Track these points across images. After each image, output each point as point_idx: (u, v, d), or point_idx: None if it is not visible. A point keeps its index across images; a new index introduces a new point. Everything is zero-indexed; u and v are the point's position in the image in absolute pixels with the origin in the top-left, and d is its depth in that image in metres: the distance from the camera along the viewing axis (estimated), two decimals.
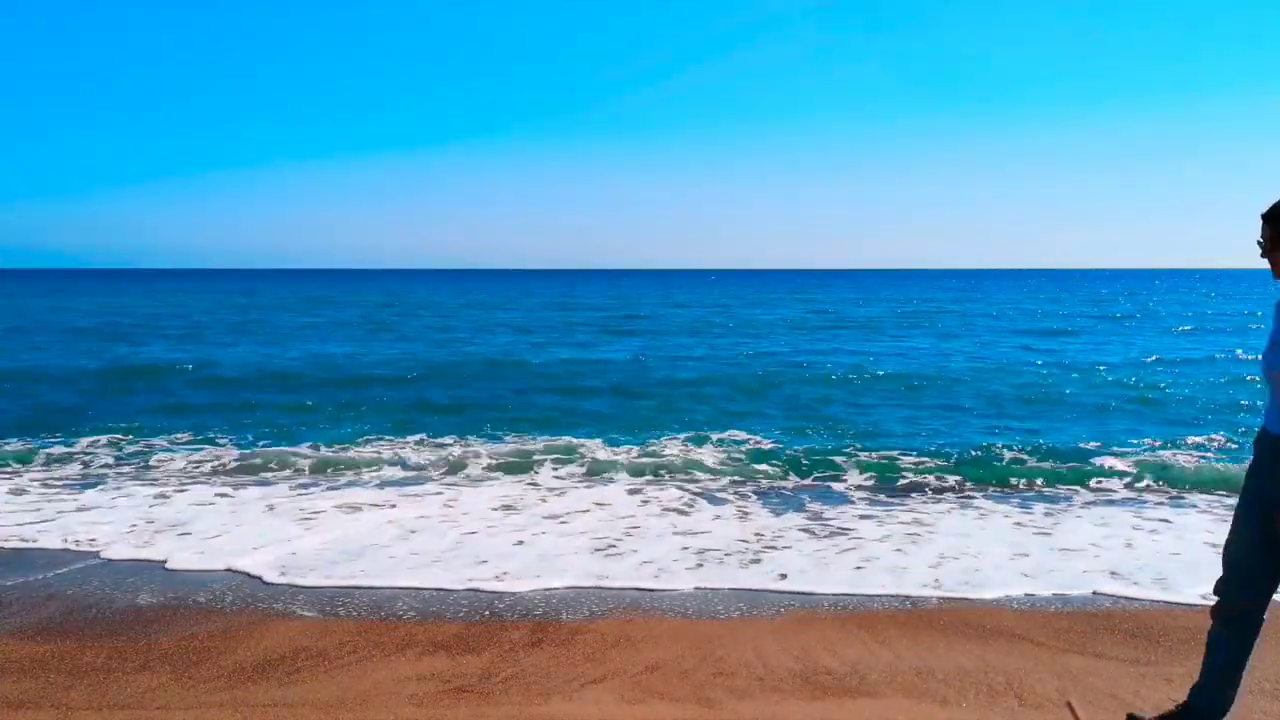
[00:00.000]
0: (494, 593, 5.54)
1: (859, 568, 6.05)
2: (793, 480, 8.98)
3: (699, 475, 9.13)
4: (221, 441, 10.98)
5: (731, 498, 8.24)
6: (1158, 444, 10.60)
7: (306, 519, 7.39)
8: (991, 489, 8.58)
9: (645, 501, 8.05)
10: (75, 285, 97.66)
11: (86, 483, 8.81)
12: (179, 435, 11.38)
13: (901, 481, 8.88)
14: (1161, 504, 7.96)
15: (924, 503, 8.04)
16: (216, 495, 8.25)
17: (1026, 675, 4.15)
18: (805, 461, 9.59)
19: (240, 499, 8.11)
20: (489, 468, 9.51)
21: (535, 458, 9.87)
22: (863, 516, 7.47)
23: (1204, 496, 8.16)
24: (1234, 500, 3.22)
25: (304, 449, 10.41)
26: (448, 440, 10.94)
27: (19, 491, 8.35)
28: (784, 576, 5.84)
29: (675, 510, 7.73)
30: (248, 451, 10.31)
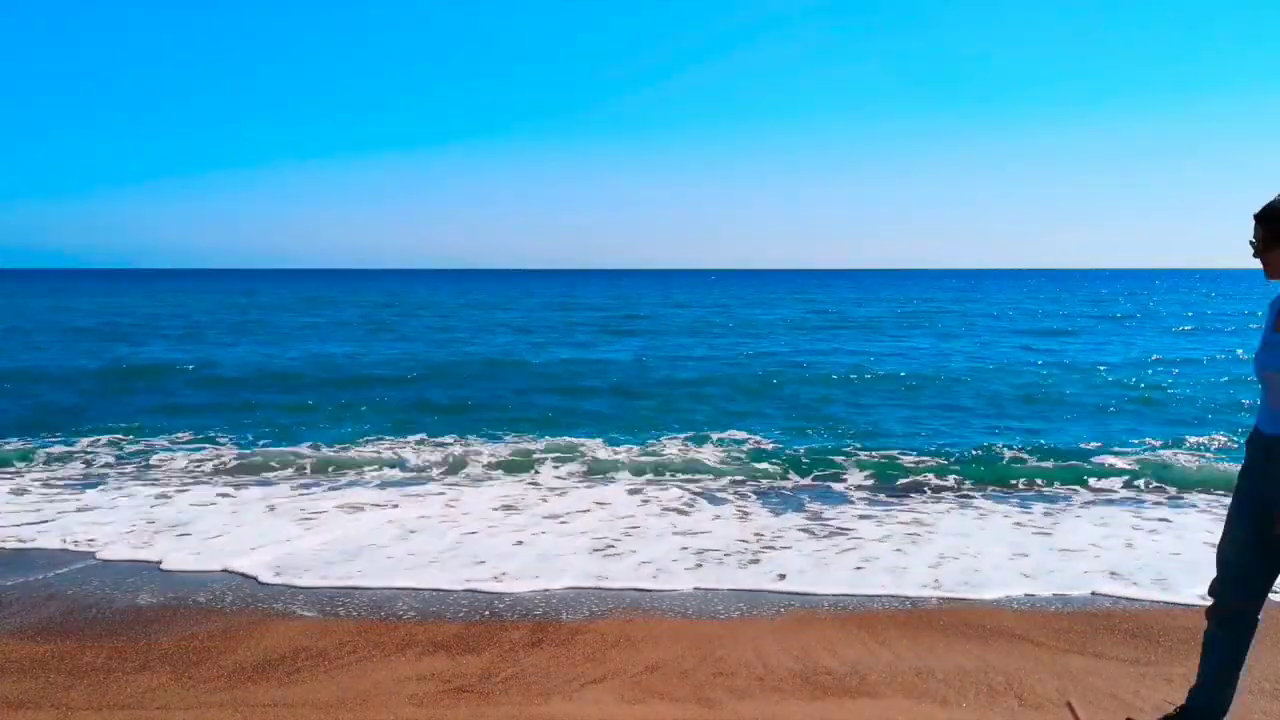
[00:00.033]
0: (494, 593, 5.54)
1: (859, 568, 6.05)
2: (792, 480, 8.98)
3: (699, 475, 9.14)
4: (222, 441, 10.98)
5: (731, 497, 8.25)
6: (1158, 444, 10.60)
7: (307, 519, 7.39)
8: (991, 489, 8.58)
9: (645, 501, 8.05)
10: (75, 285, 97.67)
11: (87, 483, 8.81)
12: (179, 435, 11.39)
13: (901, 481, 8.88)
14: (1161, 504, 7.97)
15: (924, 503, 8.04)
16: (218, 495, 8.25)
17: (1026, 675, 4.15)
18: (805, 461, 9.60)
19: (241, 499, 8.11)
20: (489, 467, 9.51)
21: (535, 457, 9.87)
22: (862, 516, 7.47)
23: (1204, 496, 8.17)
24: None
25: (304, 449, 10.41)
26: (448, 440, 10.94)
27: (19, 491, 8.35)
28: (784, 577, 5.84)
29: (675, 510, 7.73)
30: (248, 451, 10.32)
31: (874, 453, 10.12)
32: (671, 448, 10.48)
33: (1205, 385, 16.11)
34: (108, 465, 9.65)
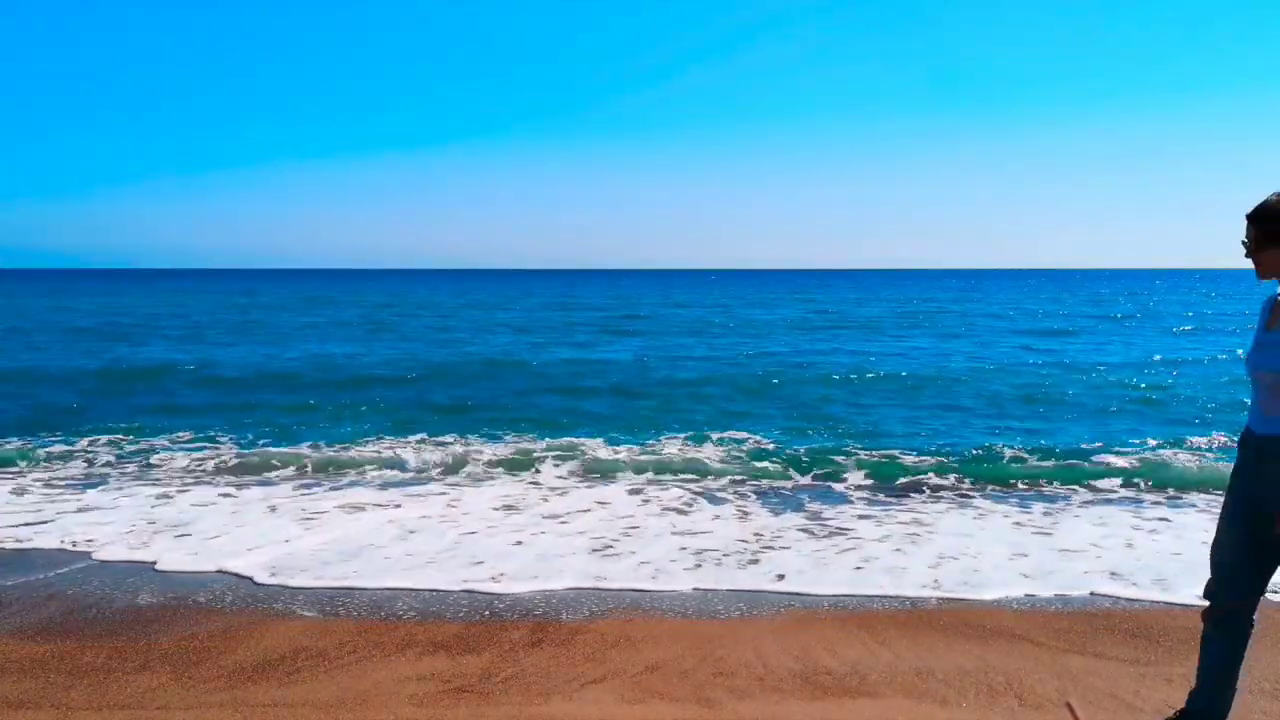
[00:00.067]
0: (494, 593, 5.54)
1: (859, 568, 6.05)
2: (792, 480, 8.98)
3: (699, 475, 9.13)
4: (222, 441, 10.99)
5: (731, 497, 8.25)
6: (1158, 444, 10.60)
7: (308, 519, 7.39)
8: (991, 489, 8.58)
9: (646, 501, 8.05)
10: (75, 285, 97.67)
11: (87, 483, 8.81)
12: (180, 435, 11.39)
13: (901, 481, 8.88)
14: (1161, 504, 7.96)
15: (924, 502, 8.04)
16: (219, 495, 8.25)
17: (1026, 675, 4.15)
18: (805, 461, 9.59)
19: (242, 499, 8.11)
20: (490, 467, 9.51)
21: (536, 458, 9.88)
22: (862, 516, 7.47)
23: (1204, 496, 8.16)
24: None
25: (305, 449, 10.42)
26: (448, 440, 10.94)
27: (19, 491, 8.36)
28: (783, 577, 5.84)
29: (675, 510, 7.73)
30: (249, 451, 10.32)
31: (874, 453, 10.12)
32: (671, 448, 10.48)
33: (1205, 385, 16.12)
34: (108, 465, 9.66)
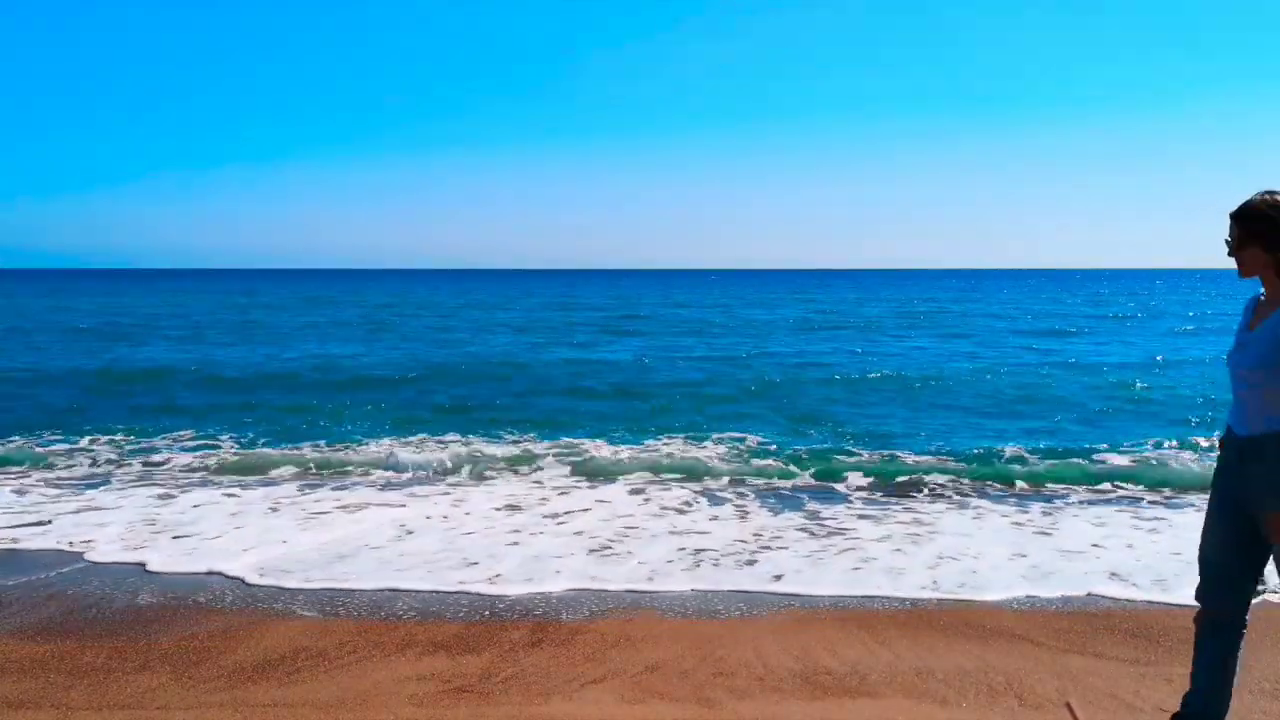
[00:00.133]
0: (494, 593, 5.53)
1: (858, 568, 6.05)
2: (792, 480, 8.97)
3: (698, 475, 9.13)
4: (223, 442, 10.99)
5: (731, 497, 8.25)
6: (1158, 444, 10.61)
7: (308, 519, 7.40)
8: (991, 489, 8.58)
9: (646, 500, 8.06)
10: (75, 285, 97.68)
11: (87, 483, 8.81)
12: (181, 435, 11.39)
13: (901, 481, 8.88)
14: (1161, 504, 7.97)
15: (923, 502, 8.05)
16: (222, 496, 8.26)
17: (1026, 675, 4.16)
18: (805, 461, 9.59)
19: (243, 499, 8.12)
20: (490, 468, 9.51)
21: (536, 458, 9.88)
22: (862, 516, 7.47)
23: (1203, 497, 8.11)
24: None
25: (306, 449, 10.42)
26: (449, 440, 10.94)
27: (19, 491, 8.36)
28: (782, 577, 5.85)
29: (675, 510, 7.73)
30: (250, 452, 10.32)
31: (874, 453, 10.12)
32: (671, 448, 10.48)
33: (1205, 385, 16.11)
34: (108, 466, 9.65)
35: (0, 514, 7.50)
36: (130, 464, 9.72)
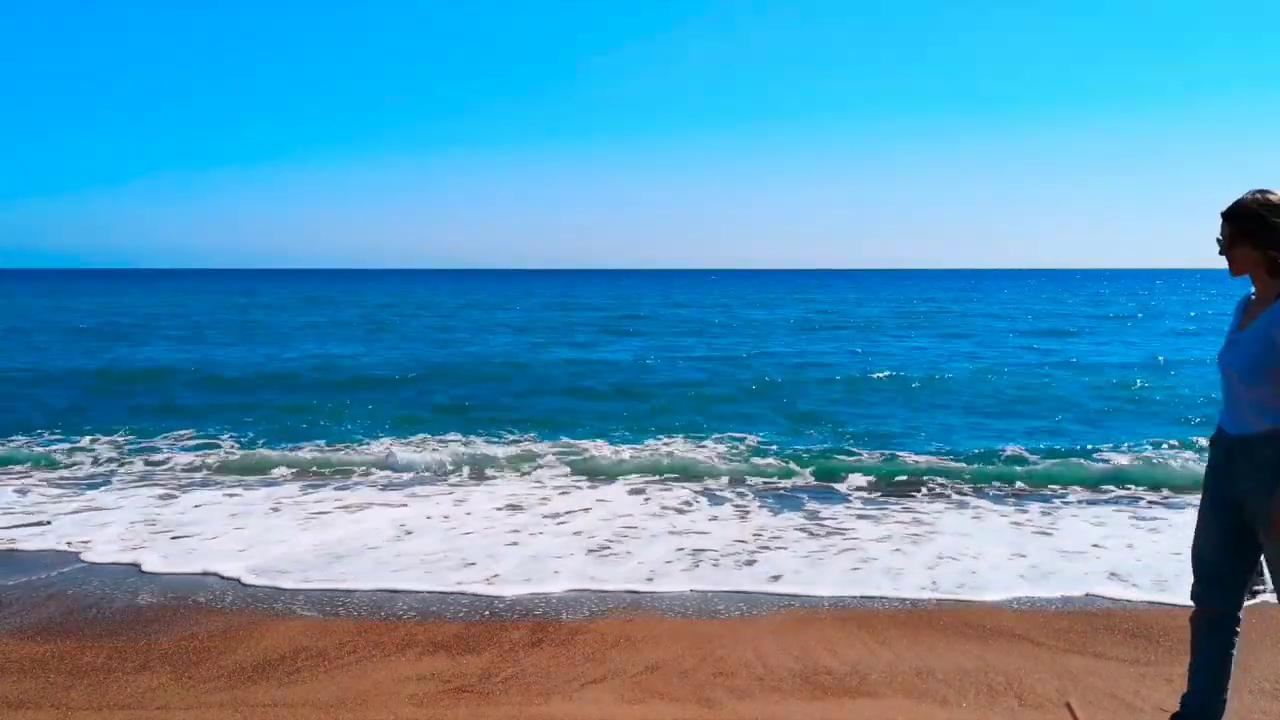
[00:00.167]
0: (494, 593, 5.53)
1: (857, 568, 6.05)
2: (792, 480, 8.98)
3: (699, 475, 9.13)
4: (223, 441, 10.99)
5: (731, 497, 8.25)
6: (1158, 444, 10.60)
7: (308, 519, 7.40)
8: (991, 489, 8.58)
9: (646, 500, 8.06)
10: (75, 285, 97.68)
11: (88, 483, 8.82)
12: (181, 435, 11.38)
13: (901, 481, 8.88)
14: (1161, 504, 7.97)
15: (923, 503, 8.04)
16: (223, 496, 8.26)
17: (1026, 675, 4.16)
18: (804, 461, 9.59)
19: (245, 499, 8.12)
20: (490, 468, 9.51)
21: (536, 458, 9.88)
22: (861, 516, 7.47)
23: None
24: None
25: (306, 449, 10.42)
26: (449, 440, 10.94)
27: (20, 491, 8.35)
28: (782, 577, 5.85)
29: (674, 510, 7.73)
30: (250, 452, 10.32)
31: (874, 453, 10.12)
32: (671, 448, 10.48)
33: (1205, 385, 16.10)
34: (109, 466, 9.65)
35: (0, 514, 7.50)
36: (131, 464, 9.72)
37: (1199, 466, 9.17)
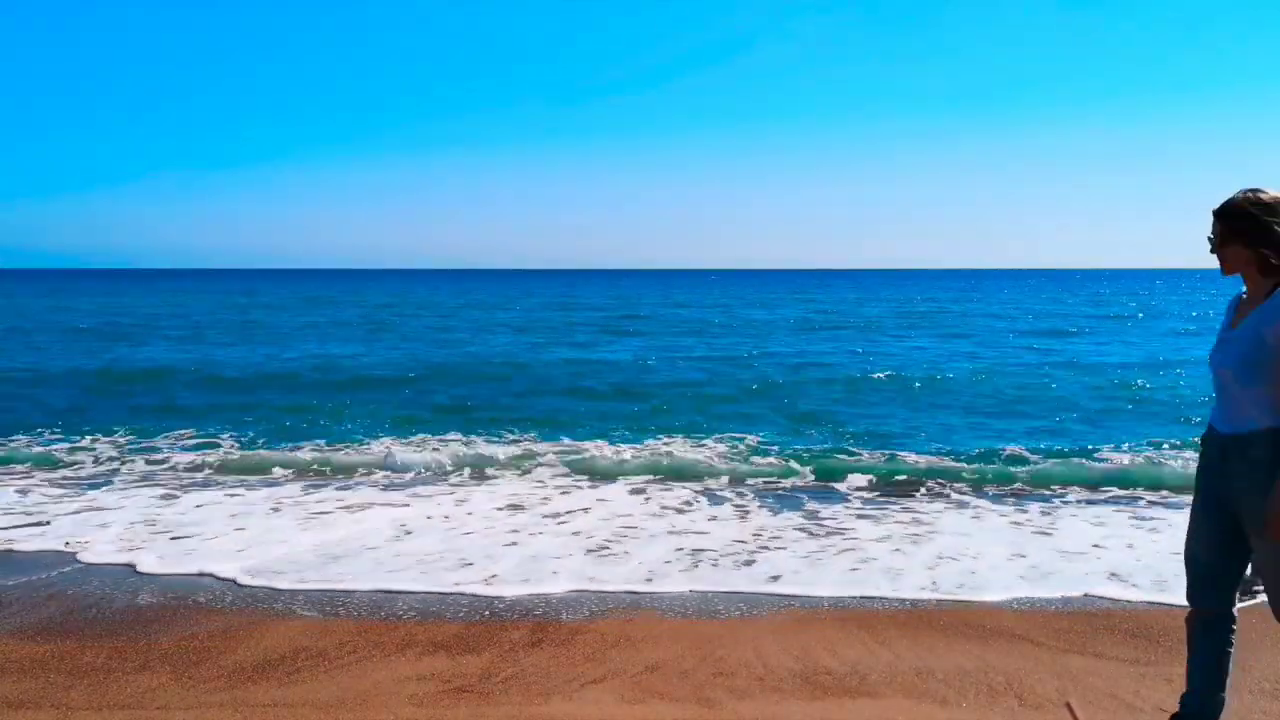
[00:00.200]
0: (494, 594, 5.53)
1: (856, 568, 6.05)
2: (791, 480, 8.98)
3: (699, 475, 9.13)
4: (224, 442, 10.99)
5: (731, 497, 8.25)
6: (1158, 444, 10.60)
7: (309, 519, 7.40)
8: (990, 489, 8.58)
9: (646, 500, 8.06)
10: (75, 285, 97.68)
11: (90, 483, 8.82)
12: (182, 435, 11.39)
13: (901, 481, 8.88)
14: (1161, 504, 7.97)
15: (923, 502, 8.04)
16: (224, 496, 8.26)
17: (1026, 675, 4.16)
18: (804, 461, 9.58)
19: (246, 499, 8.12)
20: (490, 467, 9.51)
21: (536, 458, 9.88)
22: (861, 516, 7.47)
23: None
24: None
25: (306, 450, 10.42)
26: (449, 440, 10.94)
27: (21, 492, 8.35)
28: (781, 577, 5.84)
29: (674, 510, 7.73)
30: (250, 452, 10.32)
31: (874, 453, 10.12)
32: (671, 448, 10.48)
33: (1206, 385, 16.03)
34: (110, 466, 9.65)
35: (1, 514, 7.50)
36: (133, 464, 9.71)
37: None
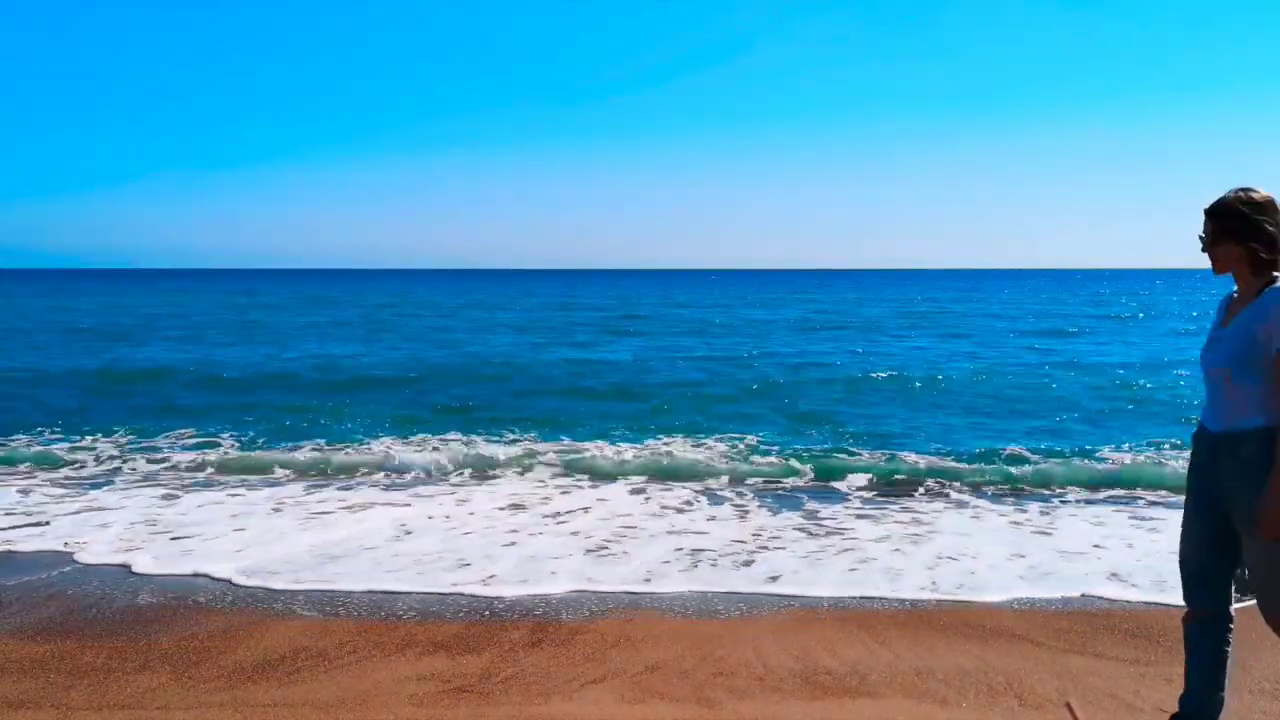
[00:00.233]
0: (494, 594, 5.53)
1: (856, 568, 6.05)
2: (791, 480, 8.98)
3: (698, 475, 9.13)
4: (224, 442, 10.99)
5: (731, 497, 8.25)
6: (1158, 444, 10.60)
7: (310, 520, 7.40)
8: (990, 489, 8.58)
9: (646, 500, 8.06)
10: (75, 285, 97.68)
11: (91, 484, 8.82)
12: (182, 435, 11.39)
13: (901, 481, 8.88)
14: (1161, 504, 7.97)
15: (922, 502, 8.05)
16: (226, 496, 8.26)
17: (1026, 675, 4.16)
18: (804, 461, 9.58)
19: (247, 499, 8.12)
20: (490, 467, 9.51)
21: (536, 458, 9.87)
22: (861, 516, 7.47)
23: None
24: None
25: (306, 450, 10.42)
26: (449, 440, 10.94)
27: (23, 492, 8.35)
28: (781, 577, 5.85)
29: (674, 509, 7.73)
30: (250, 453, 10.32)
31: (873, 453, 10.12)
32: (671, 447, 10.48)
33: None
34: (110, 466, 9.65)
35: (2, 514, 7.50)
36: (134, 464, 9.71)
37: None
